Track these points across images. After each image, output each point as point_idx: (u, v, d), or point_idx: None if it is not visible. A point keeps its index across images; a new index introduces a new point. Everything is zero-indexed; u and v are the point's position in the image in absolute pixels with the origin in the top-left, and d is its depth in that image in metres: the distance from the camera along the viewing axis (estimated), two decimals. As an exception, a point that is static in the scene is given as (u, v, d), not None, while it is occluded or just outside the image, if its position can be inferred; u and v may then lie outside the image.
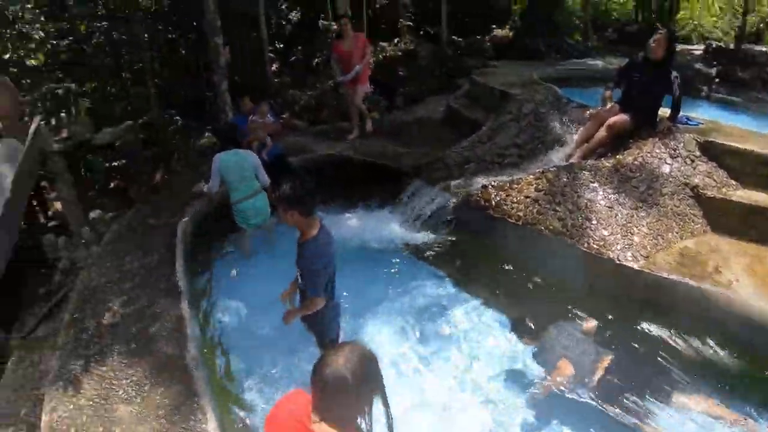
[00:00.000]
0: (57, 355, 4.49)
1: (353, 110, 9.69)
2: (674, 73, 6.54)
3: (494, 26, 17.93)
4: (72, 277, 7.69)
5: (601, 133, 6.86)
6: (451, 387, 4.81)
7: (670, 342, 5.07)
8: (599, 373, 4.43)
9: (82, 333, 4.72)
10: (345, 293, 5.67)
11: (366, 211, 7.86)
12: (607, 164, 6.49)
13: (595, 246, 5.58)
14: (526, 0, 17.54)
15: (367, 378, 2.26)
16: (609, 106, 6.99)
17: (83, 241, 8.52)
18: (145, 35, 16.44)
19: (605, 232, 5.67)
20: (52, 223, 11.70)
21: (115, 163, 15.28)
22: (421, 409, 4.53)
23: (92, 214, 9.39)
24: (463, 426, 4.44)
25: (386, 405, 2.40)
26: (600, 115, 6.96)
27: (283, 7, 20.98)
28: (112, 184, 15.77)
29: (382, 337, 5.35)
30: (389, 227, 7.34)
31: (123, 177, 15.32)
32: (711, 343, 4.98)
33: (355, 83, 9.28)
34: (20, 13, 14.12)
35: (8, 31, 14.06)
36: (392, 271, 6.46)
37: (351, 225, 7.55)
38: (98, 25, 20.39)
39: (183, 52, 19.67)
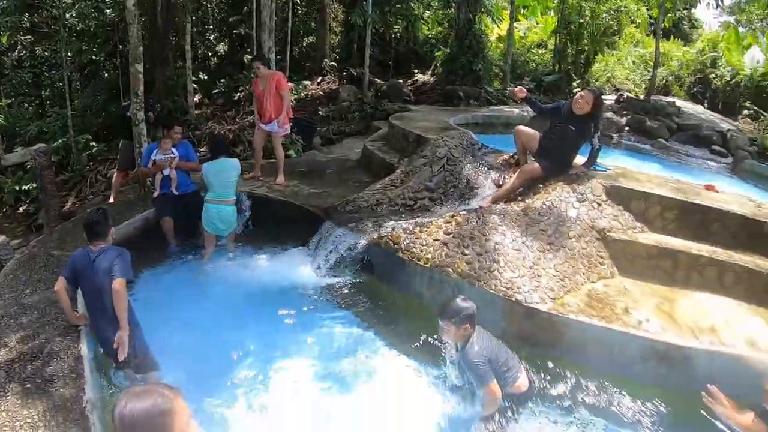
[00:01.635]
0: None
1: (258, 151, 9.41)
2: (596, 127, 6.76)
3: (417, 71, 18.22)
4: None
5: (513, 179, 6.94)
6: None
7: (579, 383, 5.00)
8: None
9: None
10: (249, 337, 5.68)
11: (277, 251, 7.64)
12: (516, 208, 6.51)
13: (502, 288, 5.50)
14: (449, 47, 17.83)
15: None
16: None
17: None
18: (68, 54, 15.88)
19: (513, 275, 5.60)
20: None
21: (25, 187, 14.61)
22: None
23: None
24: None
25: None
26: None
27: (211, 38, 20.80)
28: (20, 209, 15.03)
29: (289, 376, 5.18)
30: (299, 268, 7.14)
31: (32, 201, 14.63)
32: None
33: (268, 125, 9.00)
34: None
35: None
36: (300, 312, 6.27)
37: (261, 265, 7.35)
38: (21, 38, 19.72)
39: (105, 75, 19.13)
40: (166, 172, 7.74)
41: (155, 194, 7.81)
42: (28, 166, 13.84)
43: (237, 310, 6.25)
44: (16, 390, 4.13)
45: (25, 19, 18.53)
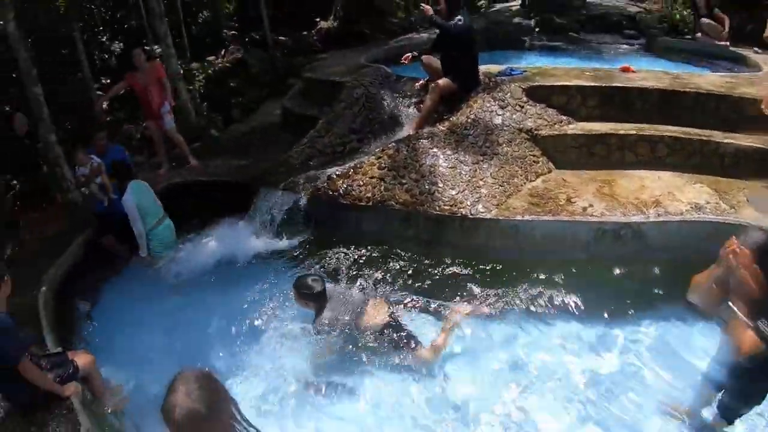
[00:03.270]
0: None
1: (159, 145, 9.02)
2: (455, 19, 6.68)
3: (318, 19, 17.92)
4: None
5: (429, 96, 6.93)
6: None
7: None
8: None
9: None
10: (217, 314, 5.65)
11: (222, 230, 7.47)
12: (443, 128, 6.55)
13: (446, 207, 5.56)
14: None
15: (215, 398, 2.08)
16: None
17: None
18: None
19: (453, 192, 5.67)
20: None
21: None
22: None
23: None
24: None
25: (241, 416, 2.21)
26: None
27: (104, 39, 19.98)
28: None
29: (259, 349, 5.13)
30: (248, 240, 7.04)
31: None
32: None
33: (160, 118, 8.62)
34: None
35: None
36: (259, 280, 6.18)
37: (211, 247, 7.18)
38: None
39: None
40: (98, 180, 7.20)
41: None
42: None
43: (204, 295, 6.17)
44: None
45: None
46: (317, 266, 6.19)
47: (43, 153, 8.97)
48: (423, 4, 7.74)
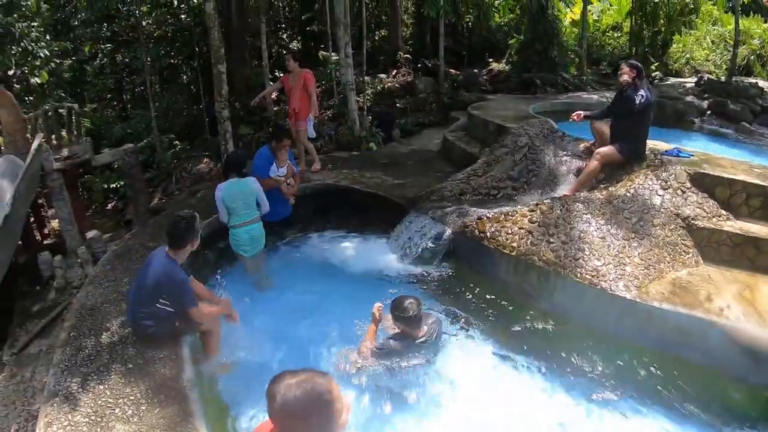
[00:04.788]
0: (51, 372, 4.49)
1: (299, 146, 9.59)
2: (641, 92, 6.79)
3: (491, 60, 18.21)
4: (66, 296, 7.77)
5: (591, 162, 7.04)
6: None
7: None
8: None
9: (78, 352, 4.72)
10: (336, 321, 5.86)
11: (362, 240, 7.95)
12: (600, 196, 6.60)
13: (587, 276, 5.64)
14: (523, 34, 17.75)
15: (310, 404, 2.12)
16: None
17: (79, 260, 8.61)
18: (148, 59, 16.84)
19: (598, 263, 5.73)
20: (47, 241, 11.85)
21: (114, 185, 15.63)
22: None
23: (89, 234, 9.43)
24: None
25: None
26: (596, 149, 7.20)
27: (284, 36, 21.45)
28: (109, 206, 16.06)
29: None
30: (385, 257, 7.39)
31: (121, 198, 15.62)
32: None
33: (296, 119, 9.27)
34: (26, 31, 14.34)
35: (13, 47, 14.26)
36: (385, 298, 6.25)
37: (347, 253, 7.63)
38: (102, 47, 21.01)
39: (184, 77, 20.12)
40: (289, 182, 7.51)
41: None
42: (116, 166, 14.77)
43: (327, 297, 6.47)
44: (119, 370, 4.49)
45: (105, 29, 19.73)
46: (445, 299, 6.42)
47: (210, 125, 9.98)
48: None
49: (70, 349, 4.76)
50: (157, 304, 4.68)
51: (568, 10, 20.04)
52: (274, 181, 7.29)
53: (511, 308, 6.14)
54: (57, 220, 11.14)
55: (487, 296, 6.37)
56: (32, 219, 11.43)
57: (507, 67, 17.80)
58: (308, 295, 6.54)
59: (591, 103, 11.57)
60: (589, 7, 18.80)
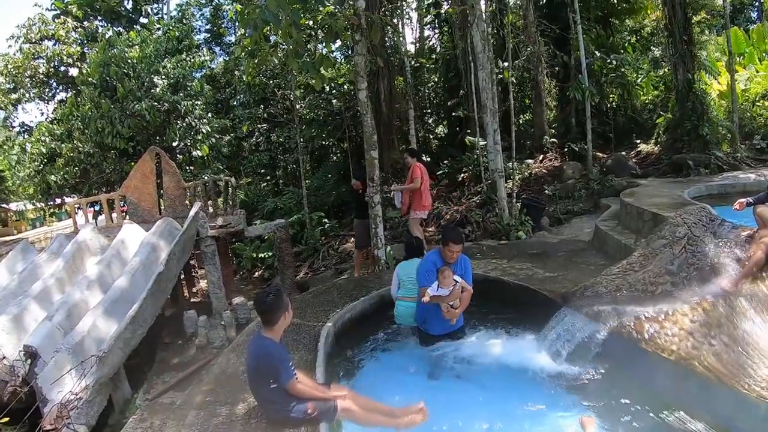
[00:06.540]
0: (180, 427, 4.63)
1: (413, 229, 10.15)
2: None
3: (638, 141, 17.82)
4: (206, 354, 8.30)
5: (756, 252, 6.51)
6: None
7: None
8: None
9: (212, 417, 4.86)
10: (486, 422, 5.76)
11: (510, 336, 7.79)
12: (765, 289, 6.05)
13: (756, 388, 5.07)
14: (670, 112, 17.23)
15: None
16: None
17: (222, 323, 9.26)
18: (301, 139, 18.28)
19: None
20: (194, 299, 12.81)
21: (262, 255, 16.78)
22: None
23: (235, 300, 10.12)
24: None
25: None
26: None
27: (430, 121, 22.43)
28: (256, 273, 17.15)
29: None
30: (534, 355, 7.18)
31: (268, 268, 16.68)
32: None
33: (407, 211, 9.88)
34: (191, 108, 16.04)
35: (179, 122, 16.04)
36: (535, 401, 6.25)
37: (494, 351, 7.45)
38: (258, 126, 23.13)
39: (334, 158, 21.57)
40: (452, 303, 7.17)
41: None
42: (266, 237, 15.91)
43: (474, 391, 6.48)
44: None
45: (262, 110, 21.76)
46: (598, 407, 6.06)
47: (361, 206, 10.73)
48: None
49: (205, 414, 4.95)
50: (270, 387, 4.68)
51: (714, 80, 19.01)
52: (434, 297, 7.00)
53: (669, 419, 5.68)
54: (206, 282, 12.00)
55: (642, 403, 5.96)
56: (183, 277, 12.38)
57: (656, 148, 17.26)
58: (459, 387, 6.63)
59: (749, 183, 11.00)
60: (735, 76, 17.69)
